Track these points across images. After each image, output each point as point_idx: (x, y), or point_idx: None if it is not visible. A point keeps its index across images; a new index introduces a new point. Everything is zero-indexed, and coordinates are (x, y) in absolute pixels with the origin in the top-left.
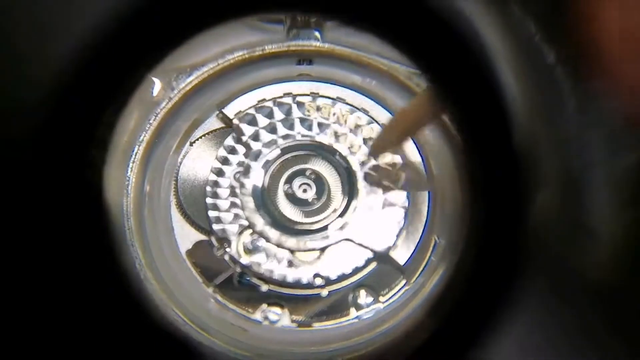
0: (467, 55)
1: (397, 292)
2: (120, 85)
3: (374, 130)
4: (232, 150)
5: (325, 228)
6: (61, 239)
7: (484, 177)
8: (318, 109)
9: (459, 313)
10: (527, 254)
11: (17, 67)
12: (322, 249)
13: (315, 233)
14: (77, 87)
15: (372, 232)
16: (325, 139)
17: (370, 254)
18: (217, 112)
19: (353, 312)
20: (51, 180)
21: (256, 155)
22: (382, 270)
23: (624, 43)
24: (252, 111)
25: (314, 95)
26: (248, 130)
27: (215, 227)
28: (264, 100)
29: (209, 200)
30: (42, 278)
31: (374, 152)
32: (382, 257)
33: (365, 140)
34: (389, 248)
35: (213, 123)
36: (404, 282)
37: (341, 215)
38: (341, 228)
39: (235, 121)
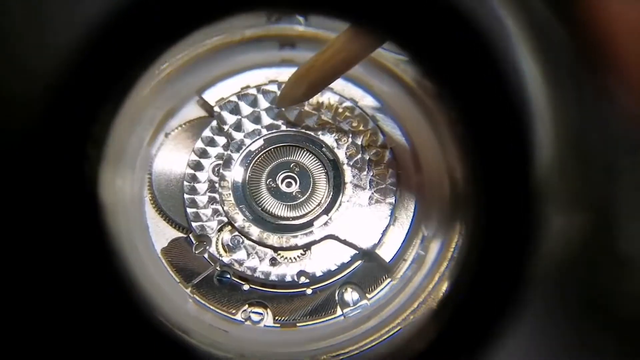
0: (480, 48)
1: (384, 287)
2: (117, 82)
3: (361, 122)
4: (211, 142)
5: (309, 224)
6: (57, 235)
7: (491, 177)
8: None
9: (461, 317)
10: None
11: (14, 65)
12: (307, 246)
13: (299, 229)
14: (73, 84)
15: (358, 229)
16: (312, 130)
17: (355, 252)
18: (197, 98)
19: (339, 310)
20: (48, 176)
21: (237, 147)
22: (370, 266)
23: (628, 37)
24: (234, 99)
25: None
26: (230, 119)
27: (194, 224)
28: (247, 87)
29: (186, 196)
30: (35, 272)
31: (281, 103)
32: (367, 255)
33: (353, 133)
34: (375, 245)
35: (190, 112)
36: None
37: (326, 211)
38: (326, 224)
39: (217, 109)
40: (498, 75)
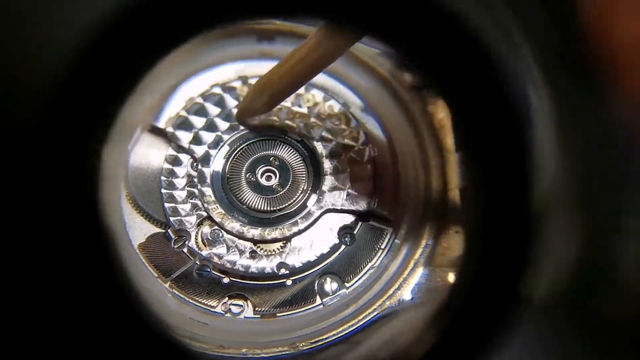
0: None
1: (362, 276)
2: (126, 76)
3: (334, 109)
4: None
5: (299, 211)
6: (58, 226)
7: (488, 187)
8: None
9: (459, 325)
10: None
11: (24, 54)
12: (287, 238)
13: (281, 221)
14: (82, 75)
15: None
16: (278, 129)
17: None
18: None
19: (318, 299)
20: (52, 167)
21: (216, 143)
22: (349, 255)
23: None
24: (183, 113)
25: None
26: (185, 136)
27: (172, 219)
28: (192, 99)
29: (164, 191)
30: (27, 262)
31: (240, 117)
32: (367, 215)
33: (323, 120)
34: (371, 203)
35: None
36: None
37: (312, 192)
38: (318, 202)
39: (170, 129)
40: (500, 87)
